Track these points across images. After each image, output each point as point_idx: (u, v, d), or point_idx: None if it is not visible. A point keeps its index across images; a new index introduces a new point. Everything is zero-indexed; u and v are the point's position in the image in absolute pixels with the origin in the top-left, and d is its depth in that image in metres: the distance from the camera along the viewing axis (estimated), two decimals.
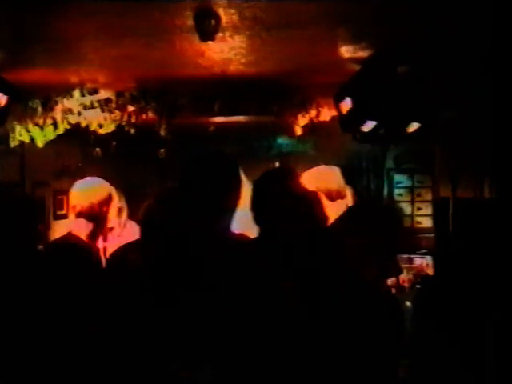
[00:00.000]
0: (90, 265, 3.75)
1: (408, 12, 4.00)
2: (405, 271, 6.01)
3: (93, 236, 4.32)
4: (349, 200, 4.66)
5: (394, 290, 5.90)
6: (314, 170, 4.66)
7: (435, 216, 7.48)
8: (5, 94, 5.13)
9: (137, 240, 3.63)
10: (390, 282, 5.53)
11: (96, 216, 4.27)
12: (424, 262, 6.82)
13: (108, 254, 5.16)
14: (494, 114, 3.22)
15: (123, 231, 5.28)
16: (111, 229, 5.31)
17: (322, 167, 4.76)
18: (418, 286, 5.95)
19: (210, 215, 3.28)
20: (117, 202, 4.44)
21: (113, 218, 5.31)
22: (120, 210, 5.32)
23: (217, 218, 3.32)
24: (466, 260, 3.24)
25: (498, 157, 3.24)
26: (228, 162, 3.50)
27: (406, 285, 5.81)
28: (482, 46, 4.31)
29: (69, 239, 4.03)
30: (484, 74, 4.49)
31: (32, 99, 6.05)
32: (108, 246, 5.23)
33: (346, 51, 4.79)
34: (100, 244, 5.28)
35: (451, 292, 3.25)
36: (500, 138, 3.22)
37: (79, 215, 4.19)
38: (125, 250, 3.65)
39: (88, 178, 4.51)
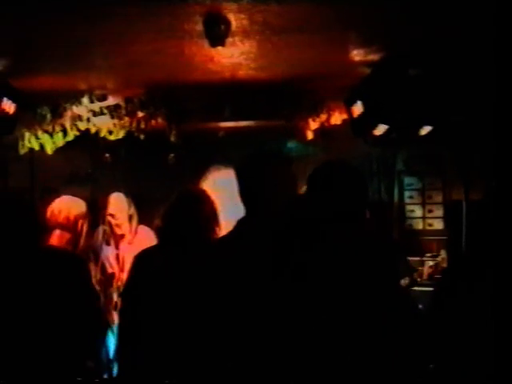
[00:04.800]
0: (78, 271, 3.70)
1: (418, 15, 3.97)
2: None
3: (70, 247, 4.33)
4: None
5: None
6: None
7: (448, 218, 7.42)
8: (13, 102, 5.11)
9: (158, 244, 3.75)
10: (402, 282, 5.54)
11: (72, 228, 4.32)
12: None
13: (121, 260, 5.21)
14: (494, 115, 3.17)
15: (134, 237, 5.25)
16: (122, 236, 5.30)
17: None
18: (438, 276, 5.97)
19: None
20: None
21: (124, 225, 5.31)
22: (130, 217, 5.30)
23: None
24: (480, 262, 3.18)
25: (499, 158, 3.19)
26: None
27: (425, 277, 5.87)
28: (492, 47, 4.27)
29: (52, 248, 4.00)
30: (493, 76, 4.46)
31: (41, 106, 6.03)
32: (120, 252, 5.24)
33: (356, 55, 4.76)
34: (113, 251, 5.29)
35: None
36: (501, 140, 3.17)
37: (55, 227, 4.25)
38: (150, 253, 3.74)
39: (65, 196, 4.57)
